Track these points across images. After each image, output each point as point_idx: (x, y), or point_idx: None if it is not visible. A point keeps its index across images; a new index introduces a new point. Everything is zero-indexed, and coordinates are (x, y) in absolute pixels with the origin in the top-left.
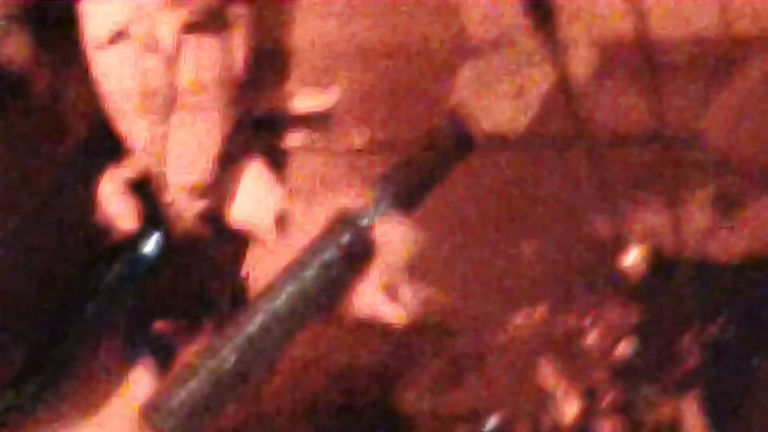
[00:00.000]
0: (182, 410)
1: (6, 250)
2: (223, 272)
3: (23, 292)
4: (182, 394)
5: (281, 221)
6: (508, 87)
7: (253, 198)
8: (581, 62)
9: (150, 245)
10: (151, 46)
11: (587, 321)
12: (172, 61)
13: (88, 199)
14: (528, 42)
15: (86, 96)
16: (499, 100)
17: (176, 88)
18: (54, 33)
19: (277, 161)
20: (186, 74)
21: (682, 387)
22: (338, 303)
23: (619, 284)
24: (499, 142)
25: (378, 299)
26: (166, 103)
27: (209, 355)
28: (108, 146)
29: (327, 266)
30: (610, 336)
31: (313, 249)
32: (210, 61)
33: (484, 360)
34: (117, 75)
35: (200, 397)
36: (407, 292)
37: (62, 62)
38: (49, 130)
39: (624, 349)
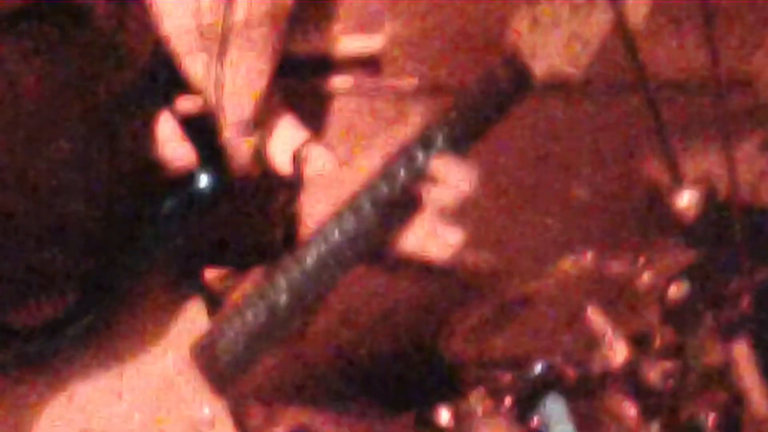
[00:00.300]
0: (234, 346)
1: (63, 175)
2: (276, 211)
3: (78, 221)
4: (234, 331)
5: (329, 161)
6: (564, 31)
7: (299, 138)
8: (637, 8)
9: (204, 182)
10: None
11: (639, 264)
12: (227, 1)
13: (145, 133)
14: None
15: (147, 30)
16: (556, 44)
17: (231, 25)
18: None
19: (325, 102)
20: (239, 11)
21: (732, 331)
22: (390, 241)
23: (672, 227)
24: (555, 85)
25: (427, 238)
26: (222, 40)
27: (262, 292)
28: (167, 82)
29: (381, 204)
30: (661, 279)
31: (369, 187)
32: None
33: (531, 305)
34: (175, 13)
35: (252, 333)
36: (457, 233)
37: None
38: (110, 60)
39: (675, 291)
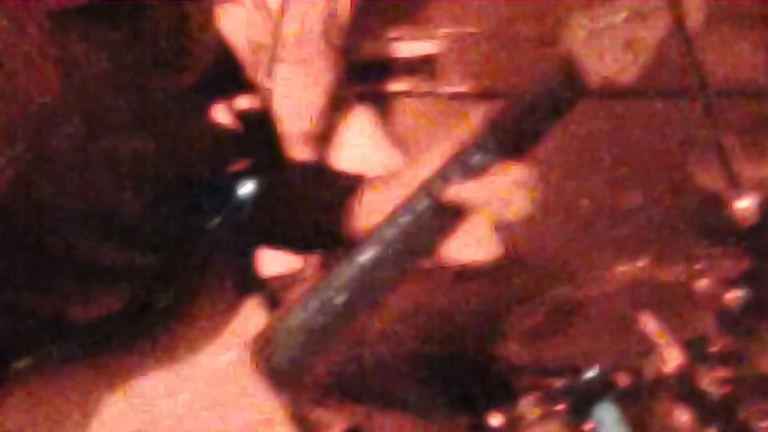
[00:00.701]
0: (292, 344)
1: (122, 171)
2: (331, 212)
3: (136, 217)
4: (292, 328)
5: (387, 163)
6: (619, 37)
7: (360, 142)
8: (695, 13)
9: (261, 179)
10: (259, 4)
11: (695, 270)
12: (277, 18)
13: (202, 130)
14: None
15: (209, 32)
16: (610, 50)
17: (280, 43)
18: None
19: (382, 106)
20: (290, 29)
21: None
22: (445, 243)
23: (728, 233)
24: (610, 90)
25: (480, 241)
26: (270, 59)
27: (320, 290)
28: (226, 81)
29: (436, 205)
30: (718, 285)
31: (424, 188)
32: (316, 18)
33: (585, 311)
34: (233, 30)
35: (310, 331)
36: (509, 237)
37: None
38: (170, 59)
39: (732, 298)
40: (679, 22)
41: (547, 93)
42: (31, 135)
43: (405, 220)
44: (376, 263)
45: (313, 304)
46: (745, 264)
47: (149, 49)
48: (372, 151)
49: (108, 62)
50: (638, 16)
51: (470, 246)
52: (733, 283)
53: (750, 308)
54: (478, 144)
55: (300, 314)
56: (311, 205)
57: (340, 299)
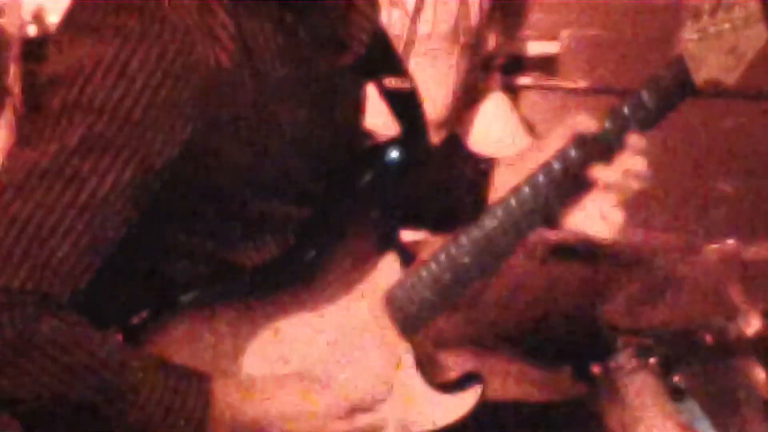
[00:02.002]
0: (422, 297)
1: (289, 136)
2: (466, 186)
3: (299, 176)
4: (424, 283)
5: (517, 146)
6: (724, 44)
7: (492, 126)
8: None
9: (404, 152)
10: (393, 3)
11: None
12: (412, 15)
13: (357, 105)
14: (746, 6)
15: (368, 17)
16: (716, 55)
17: (415, 37)
18: None
19: (512, 97)
20: (425, 26)
21: None
22: (562, 214)
23: None
24: (715, 89)
25: (594, 217)
26: (406, 50)
27: (448, 251)
28: (379, 63)
29: (554, 181)
30: None
31: (544, 165)
32: (448, 17)
33: (679, 281)
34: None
35: (438, 287)
36: (618, 215)
37: None
38: (334, 41)
39: None
40: None
41: (657, 90)
42: (209, 97)
43: (525, 192)
44: (500, 230)
45: (442, 263)
46: None
47: (316, 29)
48: (504, 136)
49: (279, 38)
50: (741, 26)
51: (584, 220)
52: None
53: None
54: (598, 130)
55: (429, 270)
56: (448, 180)
57: (465, 260)
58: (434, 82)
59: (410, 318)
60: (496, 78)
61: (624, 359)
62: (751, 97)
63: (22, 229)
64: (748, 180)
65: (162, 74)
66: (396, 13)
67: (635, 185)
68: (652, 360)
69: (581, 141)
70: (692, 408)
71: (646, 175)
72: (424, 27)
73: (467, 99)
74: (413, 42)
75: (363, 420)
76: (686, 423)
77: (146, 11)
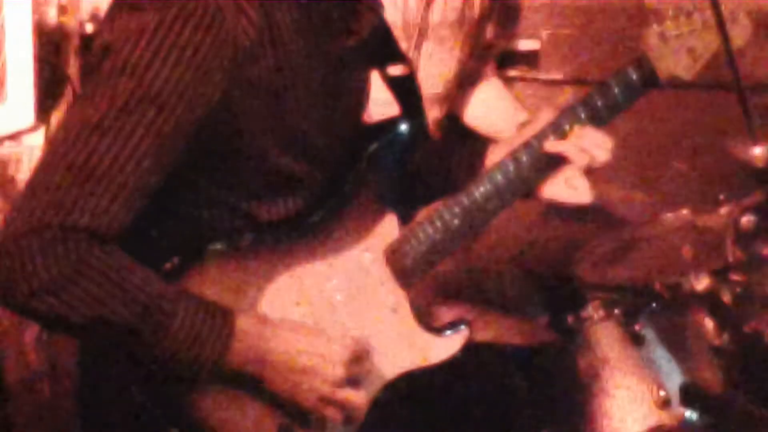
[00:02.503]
0: (417, 252)
1: (308, 108)
2: (465, 159)
3: (310, 140)
4: (419, 240)
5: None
6: (683, 45)
7: (489, 107)
8: (740, 33)
9: (404, 128)
10: None
11: (720, 200)
12: (427, 3)
13: (363, 85)
14: (703, 13)
15: (374, 3)
16: (677, 54)
17: (428, 24)
18: None
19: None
20: (436, 14)
21: None
22: (540, 185)
23: (748, 177)
24: (674, 83)
25: (566, 186)
26: (419, 35)
27: (441, 214)
28: (383, 51)
29: (534, 156)
30: (738, 211)
31: (525, 144)
32: (455, 8)
33: (641, 245)
34: (388, 10)
35: (432, 243)
36: (584, 183)
37: None
38: (343, 29)
39: (747, 221)
40: (726, 37)
41: (624, 82)
42: (235, 64)
43: (509, 165)
44: (486, 197)
45: (435, 224)
46: (758, 196)
47: (326, 12)
48: (499, 116)
49: (295, 16)
50: (699, 31)
51: (557, 189)
52: (748, 212)
53: (760, 233)
54: (568, 114)
55: (425, 230)
56: (447, 155)
57: (456, 221)
58: (439, 62)
59: (407, 270)
60: (492, 66)
61: (592, 310)
62: (701, 88)
63: (76, 174)
64: (698, 159)
65: (196, 45)
66: (411, 3)
67: (595, 158)
68: (616, 311)
69: (556, 125)
70: (650, 352)
71: (602, 144)
72: (435, 15)
73: (466, 82)
74: (427, 27)
75: (355, 370)
76: (645, 365)
77: None
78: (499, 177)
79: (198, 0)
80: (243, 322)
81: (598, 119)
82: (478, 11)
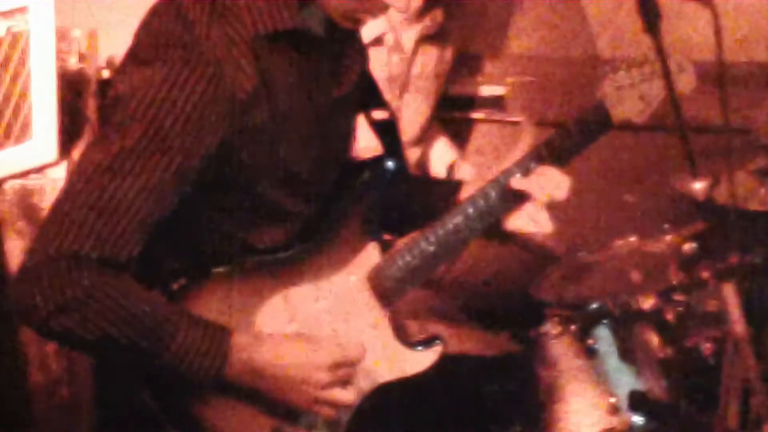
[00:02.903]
0: (396, 276)
1: (302, 148)
2: (439, 194)
3: (307, 174)
4: (398, 266)
5: (454, 167)
6: (635, 92)
7: (442, 150)
8: (686, 79)
9: (389, 167)
10: (395, 48)
11: (665, 229)
12: (409, 59)
13: (350, 128)
14: (652, 64)
15: (359, 58)
16: (631, 100)
17: (410, 77)
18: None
19: (467, 127)
20: (416, 68)
21: (722, 278)
22: (505, 217)
23: (690, 209)
24: (627, 126)
25: (528, 220)
26: (402, 86)
27: (418, 242)
28: (369, 98)
29: (501, 193)
30: (680, 239)
31: (493, 181)
32: (432, 62)
33: (594, 268)
34: (374, 65)
35: (409, 269)
36: (548, 219)
37: (346, 38)
38: (332, 76)
39: (689, 248)
40: (672, 85)
41: (583, 125)
42: (233, 114)
43: (478, 201)
44: (458, 228)
45: (413, 251)
46: (698, 226)
47: (317, 67)
48: (448, 155)
49: (288, 70)
50: (649, 80)
51: (521, 222)
52: (690, 239)
53: (700, 258)
54: (533, 155)
55: (403, 257)
56: (425, 192)
57: (431, 249)
58: (417, 109)
59: (387, 292)
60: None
61: (551, 326)
62: (649, 130)
63: (89, 210)
64: (645, 193)
65: (198, 97)
66: (395, 58)
67: (555, 194)
68: (572, 327)
69: (521, 165)
70: (602, 364)
71: (562, 183)
72: (415, 69)
73: (433, 127)
74: (409, 80)
75: (339, 373)
76: (597, 375)
77: (187, 47)
78: (469, 210)
79: (200, 56)
80: (238, 340)
81: (559, 159)
82: (448, 65)
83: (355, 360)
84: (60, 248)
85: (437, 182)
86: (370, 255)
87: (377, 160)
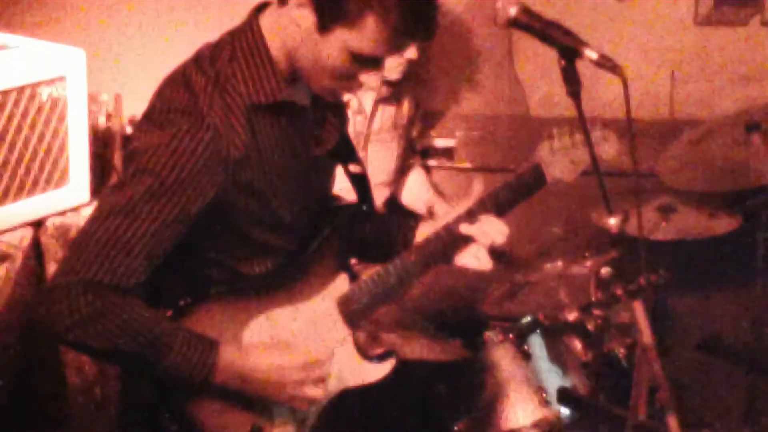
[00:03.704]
0: (363, 302)
1: (281, 192)
2: (401, 232)
3: (288, 218)
4: (362, 293)
5: (429, 205)
6: (566, 157)
7: (414, 190)
8: (609, 146)
9: (361, 209)
10: (359, 111)
11: (585, 256)
12: (369, 118)
13: (328, 180)
14: (579, 133)
15: (338, 122)
16: (561, 163)
17: (371, 131)
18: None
19: (426, 173)
20: (376, 124)
21: (634, 296)
22: (455, 255)
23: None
24: (558, 183)
25: (472, 258)
26: (365, 140)
27: (381, 274)
28: (345, 153)
29: (452, 236)
30: (598, 265)
31: (448, 224)
32: (390, 118)
33: (529, 286)
34: None
35: (372, 295)
36: (488, 258)
37: (327, 105)
38: (312, 136)
39: (605, 272)
40: (594, 153)
41: (521, 182)
42: (228, 170)
43: (434, 241)
44: (414, 263)
45: (376, 281)
46: (612, 253)
47: (302, 130)
48: (422, 194)
49: (276, 132)
50: (577, 146)
51: (471, 259)
52: (606, 265)
53: (614, 279)
54: (479, 204)
55: (367, 285)
56: (388, 230)
57: (391, 280)
58: (383, 158)
59: (354, 314)
60: (417, 158)
61: (493, 335)
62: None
63: (103, 243)
64: (569, 226)
65: (198, 156)
66: (359, 118)
67: (496, 240)
68: (510, 335)
69: (469, 213)
70: (535, 365)
71: (501, 231)
72: (375, 125)
73: (401, 170)
74: (370, 135)
75: (313, 373)
76: (531, 374)
77: (192, 113)
78: (425, 247)
79: (202, 123)
80: (225, 351)
81: (501, 208)
82: (405, 119)
83: (321, 361)
84: (77, 275)
85: (399, 221)
86: (341, 284)
87: (351, 205)
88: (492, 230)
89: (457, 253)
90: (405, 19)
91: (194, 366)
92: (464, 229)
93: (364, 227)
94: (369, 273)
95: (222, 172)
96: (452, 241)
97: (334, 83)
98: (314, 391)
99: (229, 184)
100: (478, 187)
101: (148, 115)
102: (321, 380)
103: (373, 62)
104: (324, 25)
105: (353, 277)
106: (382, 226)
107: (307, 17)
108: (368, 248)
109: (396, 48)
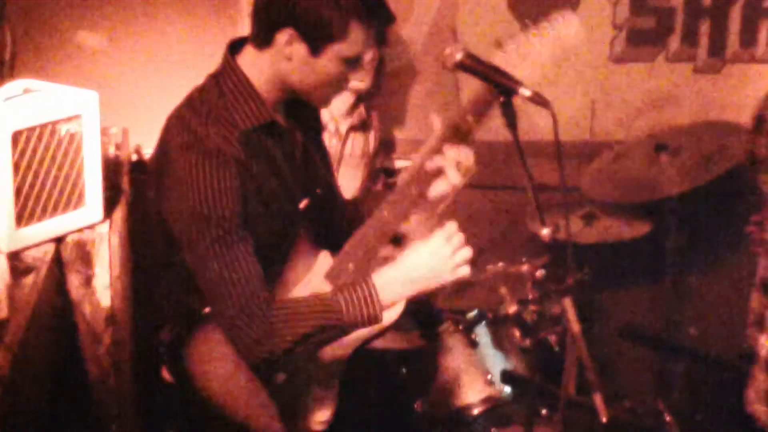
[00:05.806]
0: (350, 269)
1: (267, 214)
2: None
3: (264, 238)
4: (349, 260)
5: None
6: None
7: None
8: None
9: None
10: (335, 134)
11: (523, 261)
12: (342, 142)
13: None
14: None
15: (313, 141)
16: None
17: (343, 155)
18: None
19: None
20: (348, 149)
21: (564, 294)
22: (427, 194)
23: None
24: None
25: (444, 184)
26: (338, 162)
27: (360, 236)
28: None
29: (422, 175)
30: (533, 267)
31: (414, 166)
32: (359, 146)
33: (475, 285)
34: None
35: (359, 262)
36: (458, 175)
37: (302, 129)
38: (287, 191)
39: (540, 274)
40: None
41: (479, 102)
42: (240, 172)
43: (404, 187)
44: (391, 214)
45: (357, 244)
46: (545, 259)
47: (290, 150)
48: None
49: (268, 155)
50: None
51: (441, 184)
52: (540, 267)
53: (548, 280)
54: (442, 136)
55: (350, 252)
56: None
57: (371, 238)
58: (351, 178)
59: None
60: (381, 176)
61: (446, 326)
62: (512, 190)
63: (226, 282)
64: (508, 234)
65: (210, 164)
66: (334, 141)
67: (463, 160)
68: (461, 326)
69: (434, 149)
70: (482, 351)
71: (467, 154)
72: (347, 149)
73: (363, 194)
74: (342, 158)
75: (453, 241)
76: (479, 359)
77: (199, 138)
78: (397, 197)
79: (206, 143)
80: (378, 278)
81: (463, 138)
82: (372, 146)
83: (454, 229)
84: (234, 308)
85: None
86: (324, 259)
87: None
88: (459, 153)
89: (429, 189)
90: (370, 9)
91: (364, 306)
92: (432, 163)
93: (336, 217)
94: (348, 242)
95: (237, 175)
96: (425, 180)
97: (331, 90)
98: (467, 251)
99: (246, 189)
100: (436, 124)
101: (162, 142)
102: (461, 241)
103: (358, 61)
104: (316, 49)
105: (334, 252)
106: (351, 206)
107: (299, 49)
108: (343, 229)
109: (371, 40)
